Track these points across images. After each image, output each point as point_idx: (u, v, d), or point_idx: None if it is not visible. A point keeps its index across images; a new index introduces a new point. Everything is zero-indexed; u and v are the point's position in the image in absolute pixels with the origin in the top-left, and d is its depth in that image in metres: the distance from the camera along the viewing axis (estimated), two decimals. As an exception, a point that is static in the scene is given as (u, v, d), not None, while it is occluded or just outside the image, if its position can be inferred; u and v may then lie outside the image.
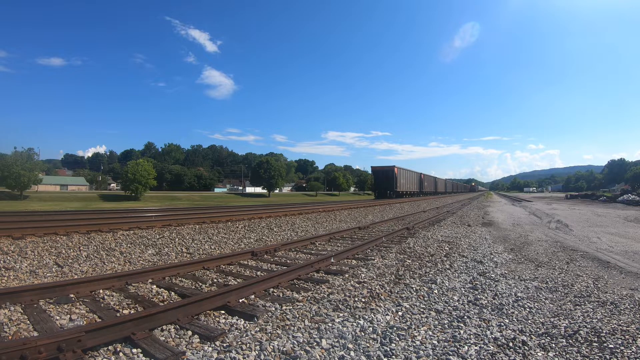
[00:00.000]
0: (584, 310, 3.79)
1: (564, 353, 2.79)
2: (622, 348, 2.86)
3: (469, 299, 4.15)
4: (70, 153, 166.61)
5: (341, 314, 3.58)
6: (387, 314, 3.60)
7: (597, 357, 2.72)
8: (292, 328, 3.24)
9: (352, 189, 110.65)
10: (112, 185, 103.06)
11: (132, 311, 3.69)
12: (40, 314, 3.50)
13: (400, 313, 3.65)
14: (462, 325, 3.33)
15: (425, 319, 3.48)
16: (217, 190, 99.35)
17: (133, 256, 6.55)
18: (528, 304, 3.99)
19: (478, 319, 3.48)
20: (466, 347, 2.85)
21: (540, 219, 16.47)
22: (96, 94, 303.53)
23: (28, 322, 3.32)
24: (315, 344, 2.90)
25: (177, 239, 8.30)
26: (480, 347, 2.87)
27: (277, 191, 79.41)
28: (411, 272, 5.39)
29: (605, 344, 2.93)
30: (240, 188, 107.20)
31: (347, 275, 5.22)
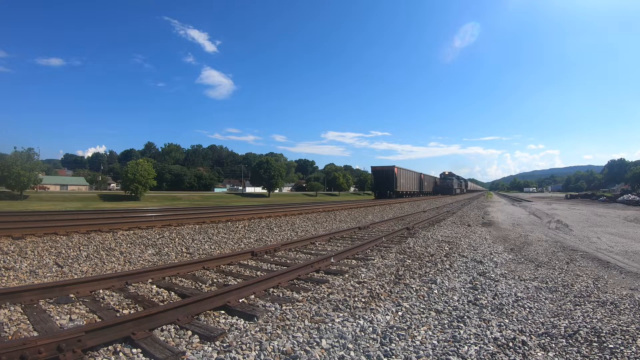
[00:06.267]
0: (584, 310, 3.80)
1: (564, 353, 2.80)
2: (622, 348, 2.86)
3: (468, 299, 4.15)
4: (70, 153, 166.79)
5: (341, 314, 3.58)
6: (387, 314, 3.60)
7: (597, 357, 2.72)
8: (292, 328, 3.24)
9: (352, 189, 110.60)
10: (112, 185, 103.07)
11: (132, 311, 3.69)
12: (40, 314, 3.50)
13: (400, 313, 3.66)
14: (462, 325, 3.33)
15: (425, 319, 3.48)
16: (217, 190, 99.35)
17: (133, 256, 6.55)
18: (528, 304, 3.99)
19: (478, 319, 3.48)
20: (466, 347, 2.85)
21: (540, 219, 16.47)
22: (96, 94, 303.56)
23: (28, 322, 3.32)
24: (315, 344, 2.90)
25: (177, 239, 8.30)
26: (480, 347, 2.87)
27: (277, 191, 79.42)
28: (411, 272, 5.39)
29: (605, 344, 2.93)
30: (240, 188, 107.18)
31: (347, 275, 5.22)
